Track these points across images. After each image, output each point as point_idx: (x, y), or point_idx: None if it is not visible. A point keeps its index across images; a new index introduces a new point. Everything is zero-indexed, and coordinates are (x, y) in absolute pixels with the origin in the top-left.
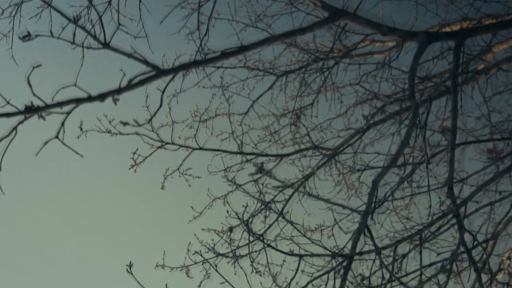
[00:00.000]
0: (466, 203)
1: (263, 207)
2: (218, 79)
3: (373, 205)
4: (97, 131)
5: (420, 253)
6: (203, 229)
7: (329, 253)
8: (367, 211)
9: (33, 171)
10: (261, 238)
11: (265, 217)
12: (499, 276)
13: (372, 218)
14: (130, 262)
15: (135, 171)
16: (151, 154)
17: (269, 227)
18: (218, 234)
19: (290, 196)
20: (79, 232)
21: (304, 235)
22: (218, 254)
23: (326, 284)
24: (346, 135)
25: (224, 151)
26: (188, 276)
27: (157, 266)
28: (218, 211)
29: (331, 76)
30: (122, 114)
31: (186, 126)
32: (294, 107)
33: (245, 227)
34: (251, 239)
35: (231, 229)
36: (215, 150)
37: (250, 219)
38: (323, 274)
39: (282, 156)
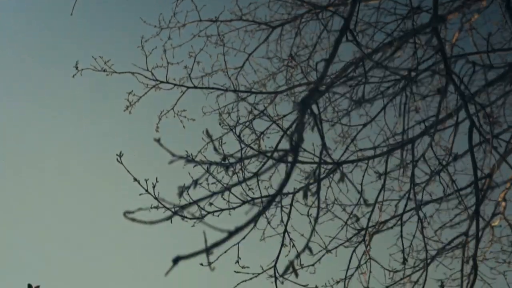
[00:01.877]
0: None
1: (253, 116)
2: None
3: None
4: (93, 69)
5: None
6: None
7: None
8: None
9: None
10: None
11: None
12: (495, 223)
13: None
14: (120, 152)
15: (130, 112)
16: (145, 93)
17: (261, 135)
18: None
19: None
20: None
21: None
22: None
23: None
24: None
25: (218, 89)
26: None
27: (151, 207)
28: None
29: (329, 25)
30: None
31: (180, 66)
32: (290, 52)
33: (236, 136)
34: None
35: (225, 157)
36: (209, 88)
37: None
38: (314, 182)
39: (276, 93)
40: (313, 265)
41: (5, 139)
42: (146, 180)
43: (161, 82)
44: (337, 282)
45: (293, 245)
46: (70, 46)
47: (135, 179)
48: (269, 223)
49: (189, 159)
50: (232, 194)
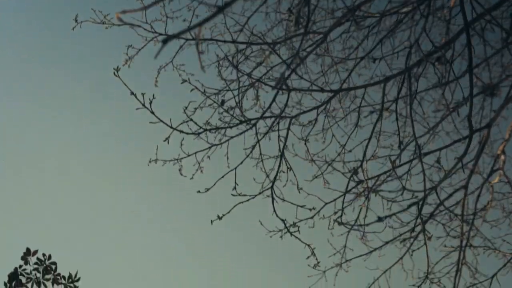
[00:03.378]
0: None
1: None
2: None
3: None
4: (92, 22)
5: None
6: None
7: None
8: None
9: None
10: (250, 74)
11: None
12: (494, 181)
13: None
14: (118, 67)
15: (129, 66)
16: (144, 45)
17: (258, 66)
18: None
19: None
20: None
21: (296, 73)
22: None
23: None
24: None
25: (218, 40)
26: (180, 173)
27: (150, 162)
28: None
29: None
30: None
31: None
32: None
33: (233, 66)
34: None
35: (223, 102)
36: (208, 39)
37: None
38: (311, 109)
39: (274, 43)
40: (312, 217)
41: (5, 139)
42: (143, 94)
43: (160, 34)
44: (335, 213)
45: (290, 168)
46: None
47: (132, 93)
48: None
49: (185, 81)
50: (229, 114)
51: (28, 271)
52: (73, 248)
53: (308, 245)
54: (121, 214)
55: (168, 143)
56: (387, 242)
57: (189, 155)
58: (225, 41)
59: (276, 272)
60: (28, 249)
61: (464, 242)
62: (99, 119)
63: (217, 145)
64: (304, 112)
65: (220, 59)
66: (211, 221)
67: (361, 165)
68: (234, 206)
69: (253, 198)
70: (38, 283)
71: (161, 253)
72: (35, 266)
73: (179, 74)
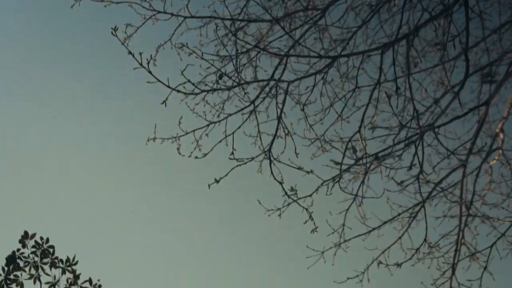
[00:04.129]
0: None
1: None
2: None
3: None
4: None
5: None
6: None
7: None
8: None
9: None
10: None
11: None
12: (493, 162)
13: None
14: (115, 26)
15: (127, 45)
16: (143, 23)
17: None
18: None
19: None
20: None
21: (291, 37)
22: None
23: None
24: None
25: (216, 18)
26: (178, 152)
27: (148, 140)
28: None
29: None
30: None
31: None
32: None
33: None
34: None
35: (221, 76)
36: (207, 17)
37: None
38: (309, 75)
39: (276, 20)
40: (310, 195)
41: (5, 139)
42: (140, 54)
43: (159, 12)
44: (333, 178)
45: (288, 133)
46: None
47: (130, 52)
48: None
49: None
50: (227, 76)
51: (26, 254)
52: (71, 232)
53: (306, 209)
54: (120, 205)
55: (165, 105)
56: (385, 222)
57: (187, 133)
58: (224, 19)
59: (274, 255)
60: (26, 232)
61: (463, 222)
62: (99, 119)
63: (215, 122)
64: (302, 77)
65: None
66: (209, 185)
67: (359, 131)
68: (232, 169)
69: (250, 161)
70: (36, 267)
71: (159, 238)
72: (33, 249)
73: (178, 53)
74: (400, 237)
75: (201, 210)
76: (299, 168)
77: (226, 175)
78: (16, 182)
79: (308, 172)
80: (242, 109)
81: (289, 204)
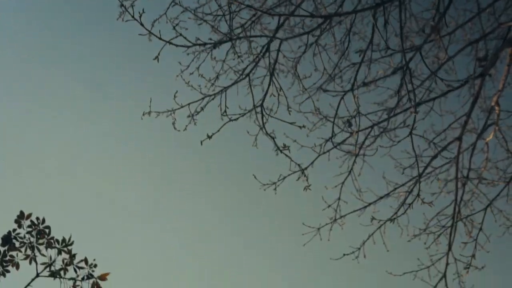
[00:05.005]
0: None
1: None
2: None
3: None
4: None
5: None
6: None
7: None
8: None
9: None
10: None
11: None
12: (489, 138)
13: None
14: None
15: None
16: None
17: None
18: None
19: None
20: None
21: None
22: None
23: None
24: None
25: None
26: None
27: (143, 114)
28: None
29: None
30: None
31: None
32: None
33: None
34: None
35: (215, 45)
36: None
37: None
38: (302, 34)
39: None
40: (305, 169)
41: (5, 139)
42: (132, 6)
43: None
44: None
45: (280, 89)
46: None
47: (122, 5)
48: None
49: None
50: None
51: (21, 235)
52: (67, 213)
53: (298, 165)
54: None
55: (158, 61)
56: (381, 197)
57: (182, 106)
58: None
59: (270, 232)
60: (21, 212)
61: (459, 197)
62: (99, 119)
63: (210, 95)
64: (295, 36)
65: None
66: (201, 142)
67: (351, 90)
68: (224, 125)
69: (242, 116)
70: (32, 248)
71: (154, 218)
72: (29, 229)
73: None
74: (395, 213)
75: (200, 210)
76: (292, 123)
77: (218, 130)
78: (16, 182)
79: (300, 127)
80: (237, 81)
81: (284, 178)
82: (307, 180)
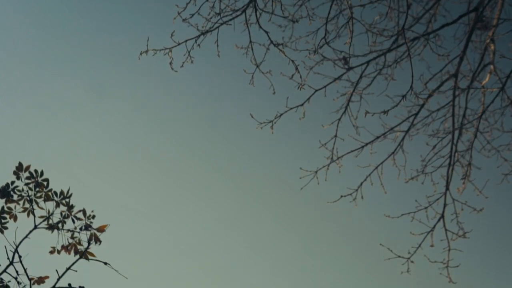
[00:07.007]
0: None
1: None
2: None
3: None
4: None
5: None
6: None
7: None
8: None
9: None
10: None
11: None
12: (485, 81)
13: None
14: None
15: None
16: None
17: None
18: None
19: None
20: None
21: None
22: None
23: None
24: None
25: None
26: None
27: (141, 53)
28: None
29: None
30: None
31: None
32: None
33: None
34: None
35: None
36: None
37: None
38: None
39: None
40: (302, 105)
41: (5, 139)
42: None
43: None
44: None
45: None
46: None
47: None
48: None
49: None
50: None
51: (20, 188)
52: (66, 166)
53: (293, 61)
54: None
55: None
56: (378, 137)
57: (179, 44)
58: None
59: (267, 178)
60: (20, 164)
61: (456, 135)
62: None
63: (207, 32)
64: None
65: None
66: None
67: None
68: (216, 28)
69: (235, 18)
70: (30, 201)
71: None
72: (27, 181)
73: None
74: (393, 153)
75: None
76: (285, 17)
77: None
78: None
79: (294, 22)
80: (234, 17)
81: (281, 115)
82: (300, 76)
